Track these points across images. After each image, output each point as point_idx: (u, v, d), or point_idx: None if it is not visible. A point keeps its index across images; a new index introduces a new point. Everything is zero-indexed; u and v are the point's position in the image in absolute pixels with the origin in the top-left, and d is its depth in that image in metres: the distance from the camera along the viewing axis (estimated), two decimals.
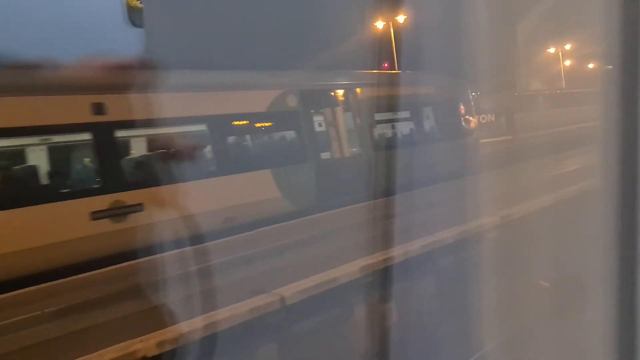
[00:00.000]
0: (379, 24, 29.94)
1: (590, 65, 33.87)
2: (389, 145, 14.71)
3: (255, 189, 11.05)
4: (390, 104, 15.02)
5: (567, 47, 41.69)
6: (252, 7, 30.99)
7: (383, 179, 12.03)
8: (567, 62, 42.88)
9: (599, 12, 2.66)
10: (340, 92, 14.06)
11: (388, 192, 10.24)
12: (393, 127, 15.33)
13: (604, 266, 2.53)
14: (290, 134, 12.97)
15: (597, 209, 2.70)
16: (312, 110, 13.20)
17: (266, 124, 12.36)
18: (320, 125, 13.50)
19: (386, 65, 18.52)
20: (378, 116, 14.89)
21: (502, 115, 28.70)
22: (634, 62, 2.37)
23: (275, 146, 12.73)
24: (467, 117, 17.71)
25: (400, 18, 30.13)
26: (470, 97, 18.33)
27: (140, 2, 9.32)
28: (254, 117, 11.94)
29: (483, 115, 30.21)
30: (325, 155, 13.23)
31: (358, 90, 14.31)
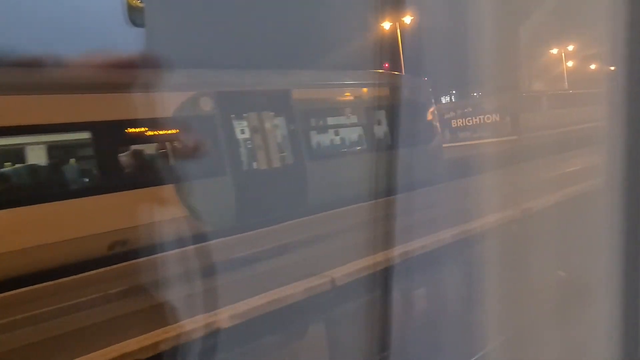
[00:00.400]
0: (386, 25, 29.85)
1: (592, 67, 33.73)
2: (329, 154, 13.44)
3: (153, 208, 9.29)
4: (334, 108, 13.84)
5: (570, 48, 41.53)
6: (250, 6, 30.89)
7: (322, 191, 11.67)
8: (570, 63, 42.72)
9: (603, 13, 2.62)
10: (270, 94, 12.32)
11: (329, 205, 9.74)
12: (336, 133, 13.83)
13: (608, 266, 2.49)
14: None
15: (601, 209, 2.66)
16: (233, 115, 11.47)
17: (170, 132, 10.44)
18: (243, 132, 11.68)
19: (386, 65, 17.72)
20: (318, 122, 13.51)
21: (507, 116, 28.65)
22: (638, 63, 2.34)
23: (181, 158, 10.57)
24: (427, 120, 15.97)
25: (406, 19, 30.12)
26: (432, 97, 16.46)
27: (141, 2, 8.93)
28: (153, 123, 10.02)
29: (488, 116, 30.28)
30: (249, 167, 11.57)
31: (294, 92, 12.64)
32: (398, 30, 30.02)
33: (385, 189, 9.83)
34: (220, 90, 11.25)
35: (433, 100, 16.39)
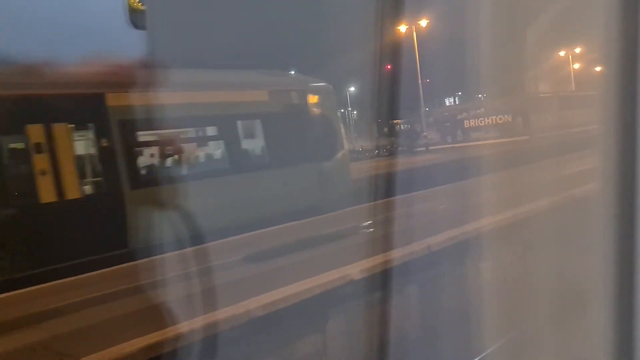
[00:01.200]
0: (402, 28, 29.79)
1: (598, 69, 33.19)
2: (170, 178, 9.94)
3: None
4: (183, 117, 10.11)
5: (577, 50, 40.88)
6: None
7: (151, 229, 8.35)
8: (576, 65, 42.07)
9: (600, 15, 2.52)
10: (71, 98, 8.58)
11: (161, 248, 7.26)
12: (178, 150, 10.28)
13: (605, 270, 2.36)
14: None
15: (599, 212, 2.53)
16: (5, 129, 8.36)
17: None
18: (23, 153, 8.36)
19: (388, 67, 16.40)
20: (150, 135, 9.91)
21: (519, 116, 28.51)
22: (633, 64, 2.23)
23: None
24: (325, 133, 12.43)
25: (422, 22, 30.07)
26: (335, 103, 12.76)
27: (142, 4, 8.43)
28: None
29: (500, 116, 30.13)
30: (29, 200, 8.22)
31: (111, 95, 9.00)
32: (414, 33, 29.94)
33: (248, 219, 8.42)
34: None
35: (337, 109, 12.90)
